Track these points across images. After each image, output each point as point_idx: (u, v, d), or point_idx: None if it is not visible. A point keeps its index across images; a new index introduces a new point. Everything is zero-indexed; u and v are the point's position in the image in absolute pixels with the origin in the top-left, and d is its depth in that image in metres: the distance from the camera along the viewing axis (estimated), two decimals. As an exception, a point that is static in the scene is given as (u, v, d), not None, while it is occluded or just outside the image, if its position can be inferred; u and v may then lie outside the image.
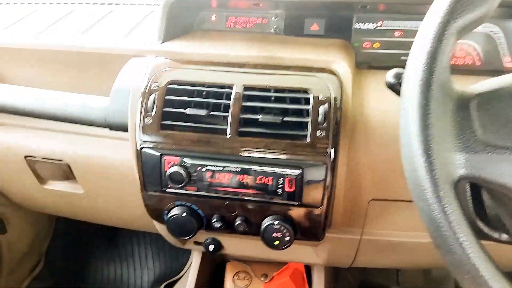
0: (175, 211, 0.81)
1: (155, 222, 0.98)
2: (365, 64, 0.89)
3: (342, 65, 0.80)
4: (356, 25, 0.91)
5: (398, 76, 0.61)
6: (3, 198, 1.26)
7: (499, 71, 0.85)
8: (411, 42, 0.89)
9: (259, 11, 0.93)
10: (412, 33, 0.90)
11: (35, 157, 1.02)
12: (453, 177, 0.48)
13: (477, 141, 0.48)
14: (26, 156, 1.02)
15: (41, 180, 1.09)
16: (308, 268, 1.28)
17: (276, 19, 0.93)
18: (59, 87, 0.91)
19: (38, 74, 0.98)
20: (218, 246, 1.10)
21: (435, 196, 0.47)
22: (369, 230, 0.91)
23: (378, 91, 0.82)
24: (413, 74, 0.49)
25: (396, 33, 0.91)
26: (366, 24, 0.91)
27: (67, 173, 1.03)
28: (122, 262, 1.75)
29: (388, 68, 0.89)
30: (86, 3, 1.12)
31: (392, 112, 0.78)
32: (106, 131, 0.94)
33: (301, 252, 1.08)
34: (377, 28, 0.91)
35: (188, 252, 1.60)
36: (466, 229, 0.47)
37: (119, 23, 1.01)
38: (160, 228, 1.00)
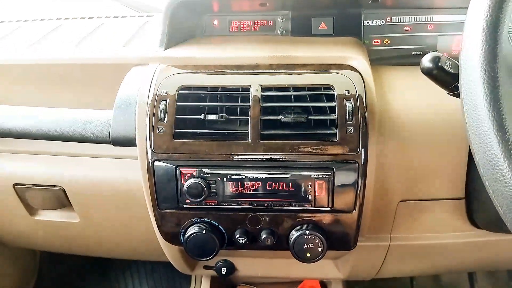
0: (193, 229, 0.73)
1: (164, 246, 0.89)
2: (377, 61, 0.86)
3: (360, 61, 0.77)
4: (365, 22, 0.89)
5: (436, 61, 0.57)
6: (-15, 236, 1.14)
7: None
8: (422, 37, 0.89)
9: (264, 13, 0.89)
10: (422, 27, 0.88)
11: (25, 184, 0.92)
12: (531, 154, 0.43)
13: None
14: (15, 185, 0.92)
15: (31, 210, 0.99)
16: (323, 284, 1.21)
17: (282, 20, 0.89)
18: (53, 104, 0.83)
19: (30, 91, 0.89)
20: (231, 268, 1.02)
21: None
22: (398, 235, 0.85)
23: (399, 85, 0.79)
24: (474, 45, 0.44)
25: (406, 28, 0.89)
26: (375, 20, 0.89)
27: (62, 200, 0.94)
28: (116, 299, 1.62)
29: (401, 63, 0.88)
30: (74, 18, 1.05)
31: (419, 107, 0.75)
32: (105, 149, 0.86)
33: (320, 267, 1.01)
34: (386, 24, 0.89)
35: (187, 281, 1.50)
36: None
37: (113, 34, 0.94)
38: (170, 253, 0.91)
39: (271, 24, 0.90)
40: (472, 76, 0.44)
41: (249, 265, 1.02)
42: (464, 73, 0.46)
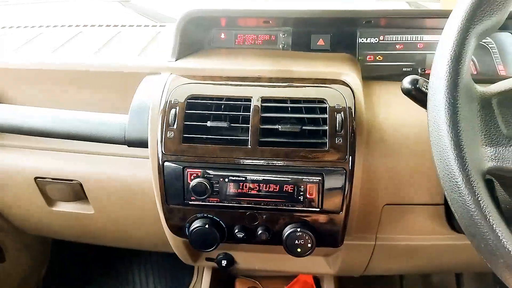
0: (197, 223, 0.82)
1: (170, 238, 0.98)
2: (370, 76, 0.94)
3: (352, 77, 0.85)
4: (360, 40, 0.96)
5: (414, 82, 0.65)
6: (4, 223, 1.23)
7: (494, 79, 0.91)
8: (412, 54, 0.97)
9: (267, 28, 0.97)
10: (412, 45, 0.96)
11: (46, 178, 1.01)
12: (483, 169, 0.51)
13: (501, 135, 0.52)
14: (36, 178, 1.02)
15: (50, 202, 1.08)
16: (316, 280, 1.29)
17: (284, 36, 0.97)
18: (72, 107, 0.92)
19: (50, 95, 0.98)
20: (231, 261, 1.11)
21: (468, 188, 0.50)
22: (383, 235, 0.93)
23: (387, 100, 0.86)
24: (440, 76, 0.53)
25: (398, 46, 0.96)
26: (369, 38, 0.96)
27: (78, 193, 1.03)
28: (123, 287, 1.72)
29: (392, 79, 0.95)
30: (92, 25, 1.14)
31: (404, 120, 0.83)
32: (119, 149, 0.94)
33: (313, 263, 1.09)
34: (380, 42, 0.96)
35: (190, 273, 1.58)
36: (497, 216, 0.50)
37: (129, 43, 1.03)
38: (176, 245, 1.00)
39: (273, 38, 0.98)
40: (437, 101, 0.52)
41: (247, 258, 1.10)
42: (430, 98, 0.54)
